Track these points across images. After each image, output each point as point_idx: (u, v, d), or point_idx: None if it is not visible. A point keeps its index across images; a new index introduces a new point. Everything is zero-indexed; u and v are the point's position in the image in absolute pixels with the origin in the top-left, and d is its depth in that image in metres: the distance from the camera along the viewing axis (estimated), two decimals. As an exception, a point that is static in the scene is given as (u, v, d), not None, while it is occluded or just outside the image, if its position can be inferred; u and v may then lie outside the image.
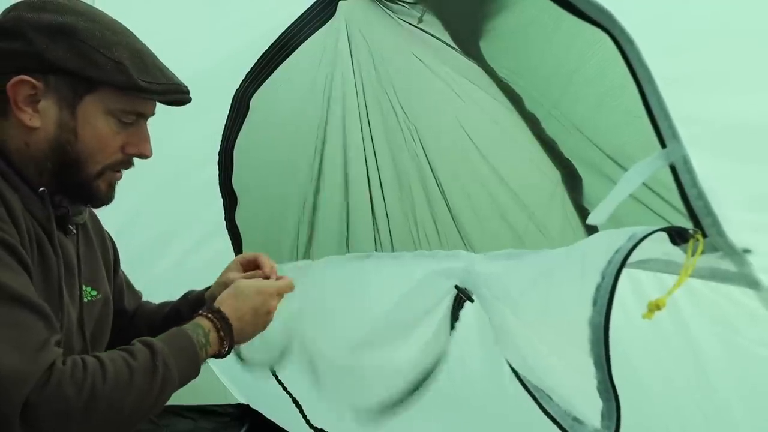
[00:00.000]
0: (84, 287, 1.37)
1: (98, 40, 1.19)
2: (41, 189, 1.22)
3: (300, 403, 2.27)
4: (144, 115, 1.29)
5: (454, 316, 1.67)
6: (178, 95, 1.27)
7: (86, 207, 1.39)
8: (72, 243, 1.34)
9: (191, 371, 1.25)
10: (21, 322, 1.08)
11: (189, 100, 1.30)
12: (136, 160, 1.34)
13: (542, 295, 1.31)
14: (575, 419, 1.29)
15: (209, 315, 1.33)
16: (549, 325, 1.30)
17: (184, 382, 1.23)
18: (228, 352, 1.36)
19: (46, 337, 1.10)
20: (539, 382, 1.41)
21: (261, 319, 1.42)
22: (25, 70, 1.17)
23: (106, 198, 1.31)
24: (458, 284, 1.57)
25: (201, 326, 1.30)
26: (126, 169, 1.32)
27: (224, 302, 1.37)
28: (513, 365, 1.49)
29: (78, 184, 1.26)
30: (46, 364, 1.06)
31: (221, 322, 1.33)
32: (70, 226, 1.32)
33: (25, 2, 1.22)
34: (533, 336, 1.36)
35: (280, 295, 1.48)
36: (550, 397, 1.38)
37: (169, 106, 1.31)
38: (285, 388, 2.25)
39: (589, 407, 1.20)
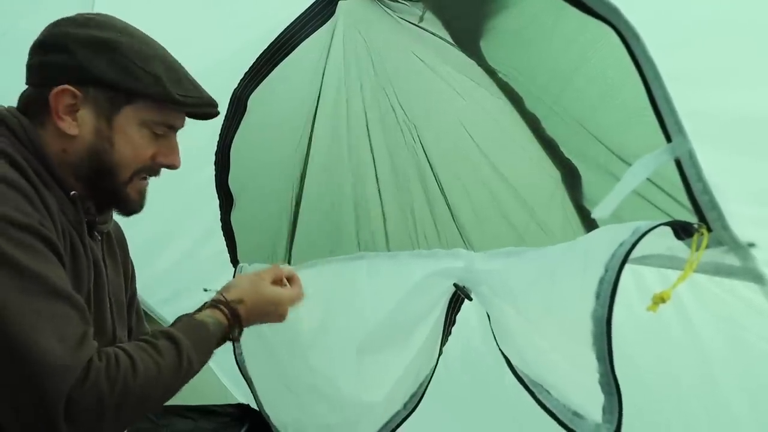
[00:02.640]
0: (110, 295, 1.40)
1: (136, 54, 1.25)
2: (72, 192, 1.26)
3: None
4: (174, 128, 1.35)
5: (452, 321, 1.67)
6: (208, 108, 1.34)
7: (111, 215, 1.43)
8: (98, 249, 1.37)
9: (206, 361, 1.32)
10: (61, 314, 1.10)
11: (217, 113, 1.37)
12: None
13: (545, 290, 1.32)
14: (575, 414, 1.29)
15: (227, 312, 1.40)
16: (551, 320, 1.30)
17: (202, 367, 1.30)
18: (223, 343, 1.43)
19: (84, 330, 1.13)
20: (537, 377, 1.41)
21: (267, 321, 1.52)
22: (68, 81, 1.23)
23: (137, 205, 1.37)
24: (456, 282, 1.57)
25: (219, 321, 1.37)
26: (153, 176, 1.38)
27: (243, 300, 1.43)
28: (511, 360, 1.49)
29: (111, 190, 1.31)
30: (86, 358, 1.10)
31: (235, 320, 1.40)
32: (95, 233, 1.35)
33: (69, 19, 1.28)
34: (533, 331, 1.37)
35: (291, 303, 1.55)
36: (548, 392, 1.38)
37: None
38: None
39: (590, 402, 1.20)
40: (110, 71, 1.24)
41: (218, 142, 2.16)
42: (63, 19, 1.28)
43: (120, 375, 1.12)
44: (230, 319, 1.39)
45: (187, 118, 1.37)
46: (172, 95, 1.27)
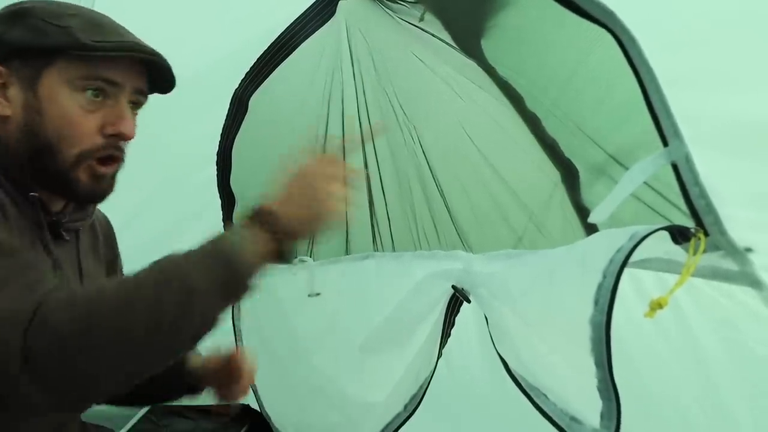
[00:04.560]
0: None
1: (49, 13, 1.15)
2: (32, 194, 1.16)
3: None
4: (115, 84, 1.18)
5: (451, 323, 1.67)
6: (137, 53, 1.17)
7: (91, 212, 1.35)
8: (68, 250, 1.29)
9: (226, 273, 0.99)
10: (12, 268, 0.97)
11: (157, 60, 1.20)
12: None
13: (543, 294, 1.31)
14: (573, 418, 1.28)
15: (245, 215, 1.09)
16: (549, 324, 1.30)
17: (225, 289, 0.99)
18: (284, 245, 1.06)
19: (38, 278, 0.99)
20: (535, 380, 1.40)
21: (314, 195, 1.11)
22: None
23: (91, 192, 1.20)
24: (455, 284, 1.57)
25: (229, 228, 1.08)
26: (115, 155, 1.20)
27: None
28: (509, 364, 1.48)
29: (55, 173, 1.16)
30: (38, 298, 0.92)
31: (257, 214, 1.07)
32: (63, 232, 1.25)
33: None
34: (532, 335, 1.36)
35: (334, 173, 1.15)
36: (546, 396, 1.37)
37: (163, 94, 1.28)
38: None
39: (588, 407, 1.20)
40: (23, 35, 1.13)
41: (219, 142, 2.17)
42: None
43: (80, 299, 0.93)
44: (251, 215, 1.07)
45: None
46: (82, 41, 1.12)
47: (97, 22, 1.17)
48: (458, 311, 1.65)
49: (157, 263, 0.98)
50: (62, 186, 1.18)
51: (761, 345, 1.32)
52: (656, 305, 1.09)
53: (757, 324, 1.28)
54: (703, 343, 1.41)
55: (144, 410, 2.48)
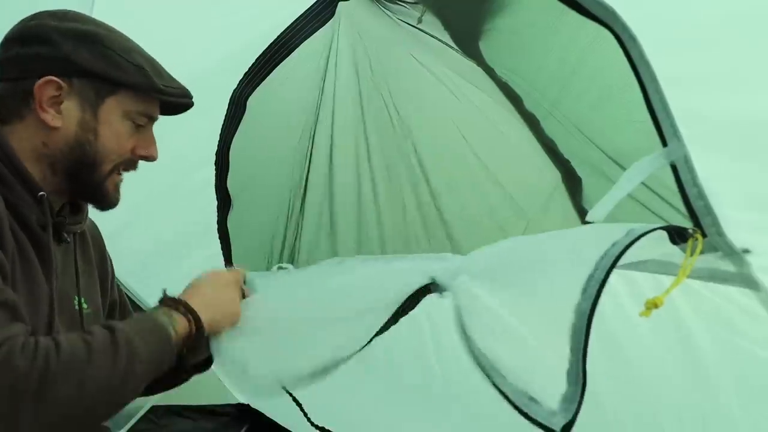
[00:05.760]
0: (81, 299, 1.36)
1: (119, 45, 1.25)
2: (41, 194, 1.22)
3: (300, 401, 2.24)
4: (153, 119, 1.34)
5: (405, 310, 1.62)
6: (186, 99, 1.35)
7: (86, 215, 1.40)
8: (67, 253, 1.34)
9: (162, 348, 1.17)
10: None
11: (192, 104, 1.37)
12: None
13: (530, 275, 1.28)
14: (531, 399, 1.26)
15: (162, 300, 1.26)
16: (531, 304, 1.27)
17: (156, 360, 1.16)
18: (200, 332, 1.25)
19: (7, 316, 1.08)
20: (499, 361, 1.37)
21: (222, 293, 1.33)
22: (51, 72, 1.21)
23: (114, 200, 1.34)
24: (435, 279, 1.54)
25: (157, 308, 1.23)
26: (129, 170, 1.35)
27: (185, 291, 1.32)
28: (476, 343, 1.44)
29: (91, 184, 1.29)
30: (4, 336, 1.03)
31: (174, 302, 1.24)
32: (64, 234, 1.31)
33: (47, 12, 1.27)
34: (510, 315, 1.33)
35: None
36: (505, 378, 1.34)
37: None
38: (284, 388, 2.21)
39: (550, 389, 1.17)
40: (96, 62, 1.23)
41: (218, 143, 2.17)
42: (39, 13, 1.27)
43: (40, 351, 1.03)
44: (169, 302, 1.23)
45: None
46: (156, 85, 1.27)
47: (153, 61, 1.30)
48: (419, 302, 1.60)
49: (108, 328, 1.12)
50: (96, 195, 1.32)
51: (758, 346, 1.32)
52: (652, 304, 1.09)
53: (754, 325, 1.28)
54: (701, 345, 1.42)
55: (144, 410, 2.48)
